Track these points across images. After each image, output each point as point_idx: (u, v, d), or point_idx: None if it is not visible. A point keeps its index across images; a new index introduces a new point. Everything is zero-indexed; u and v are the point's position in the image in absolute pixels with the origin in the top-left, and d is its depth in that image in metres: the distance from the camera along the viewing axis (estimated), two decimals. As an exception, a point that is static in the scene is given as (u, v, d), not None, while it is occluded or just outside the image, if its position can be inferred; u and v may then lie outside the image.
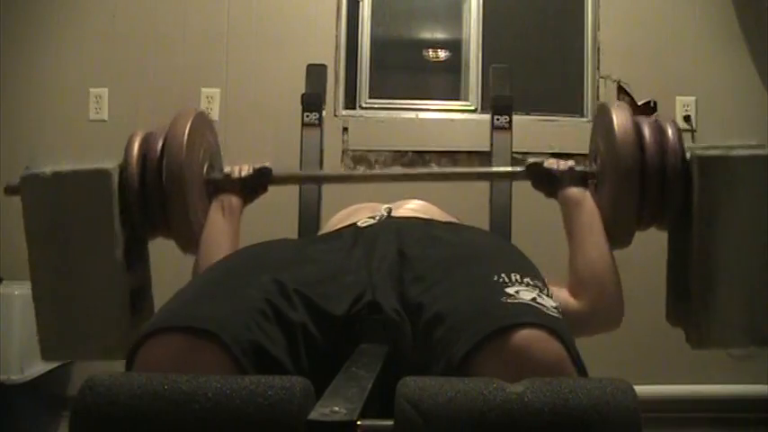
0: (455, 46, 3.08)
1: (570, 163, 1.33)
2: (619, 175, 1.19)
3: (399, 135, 2.89)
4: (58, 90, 2.86)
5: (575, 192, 1.29)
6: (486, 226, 1.65)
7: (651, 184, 1.18)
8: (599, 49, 2.91)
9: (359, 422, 0.62)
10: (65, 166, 1.23)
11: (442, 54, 3.19)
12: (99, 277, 1.19)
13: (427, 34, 3.34)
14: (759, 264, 1.15)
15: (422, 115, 2.95)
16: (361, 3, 3.00)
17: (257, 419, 0.68)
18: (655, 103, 2.85)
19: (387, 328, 0.92)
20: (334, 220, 1.36)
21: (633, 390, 0.70)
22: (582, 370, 0.80)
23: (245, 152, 2.71)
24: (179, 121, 1.26)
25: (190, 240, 1.27)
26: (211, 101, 2.84)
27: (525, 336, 0.78)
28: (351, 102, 2.97)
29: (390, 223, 1.18)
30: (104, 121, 2.85)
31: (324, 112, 1.81)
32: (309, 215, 1.73)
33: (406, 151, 2.88)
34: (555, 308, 0.88)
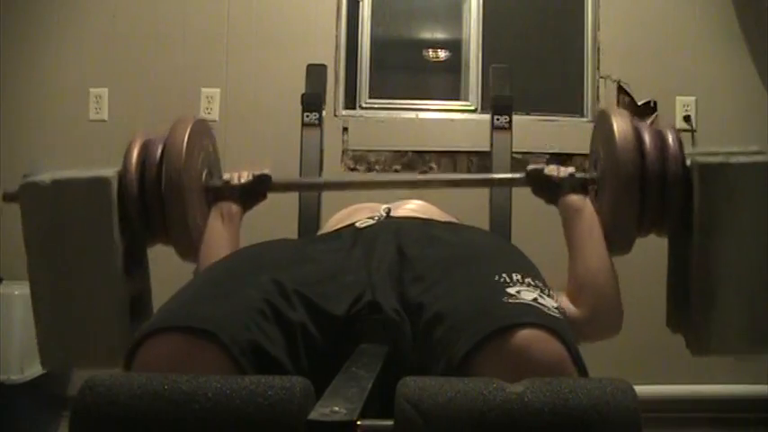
0: (455, 46, 3.08)
1: (570, 169, 1.33)
2: (619, 181, 1.19)
3: (399, 135, 2.89)
4: (58, 90, 2.86)
5: (575, 199, 1.29)
6: (485, 226, 1.65)
7: (651, 191, 1.18)
8: (599, 49, 2.91)
9: (359, 422, 0.62)
10: (64, 172, 1.22)
11: (442, 54, 3.19)
12: (98, 285, 1.18)
13: (427, 34, 3.34)
14: (759, 271, 1.14)
15: (422, 115, 2.95)
16: (361, 3, 3.00)
17: (257, 419, 0.68)
18: (655, 103, 2.86)
19: (387, 328, 0.92)
20: (334, 221, 1.36)
21: (633, 390, 0.70)
22: (582, 370, 0.80)
23: (245, 152, 2.74)
24: (178, 128, 1.26)
25: (189, 247, 1.26)
26: (211, 101, 2.84)
27: (526, 336, 0.78)
28: (351, 102, 2.97)
29: (389, 223, 1.18)
30: (104, 121, 2.85)
31: (324, 112, 1.81)
32: (309, 215, 1.73)
33: (406, 151, 2.88)
34: (556, 308, 0.88)
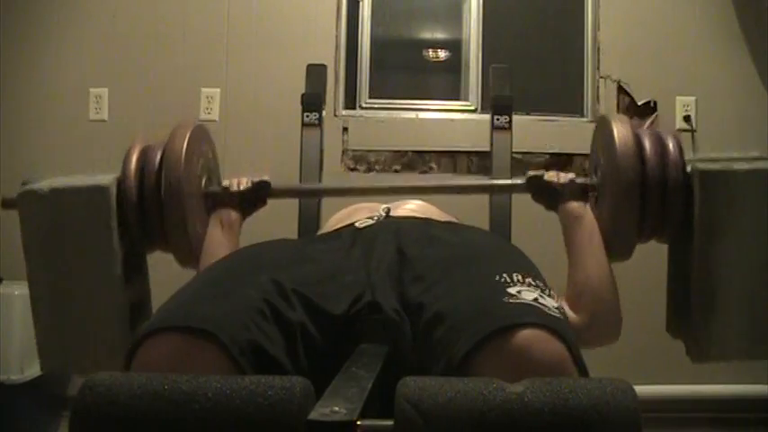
0: (455, 46, 3.08)
1: (570, 176, 1.33)
2: (619, 188, 1.19)
3: (399, 135, 2.89)
4: (58, 90, 2.86)
5: (575, 206, 1.29)
6: (485, 226, 1.65)
7: (652, 198, 1.18)
8: (599, 49, 2.91)
9: (359, 422, 0.62)
10: (62, 180, 1.22)
11: (442, 54, 3.19)
12: (98, 292, 1.18)
13: (427, 34, 3.34)
14: (760, 277, 1.14)
15: (422, 115, 2.95)
16: (361, 3, 3.00)
17: (257, 419, 0.68)
18: (655, 103, 2.86)
19: (387, 328, 0.92)
20: (333, 221, 1.36)
21: (633, 390, 0.70)
22: (583, 370, 0.80)
23: (245, 152, 2.74)
24: (177, 134, 1.26)
25: (188, 254, 1.26)
26: (211, 101, 2.84)
27: (526, 336, 0.78)
28: (351, 102, 2.97)
29: (389, 223, 1.18)
30: (104, 121, 2.85)
31: (324, 112, 1.81)
32: (309, 216, 1.73)
33: (406, 151, 2.88)
34: (557, 308, 0.88)
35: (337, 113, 2.89)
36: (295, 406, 0.68)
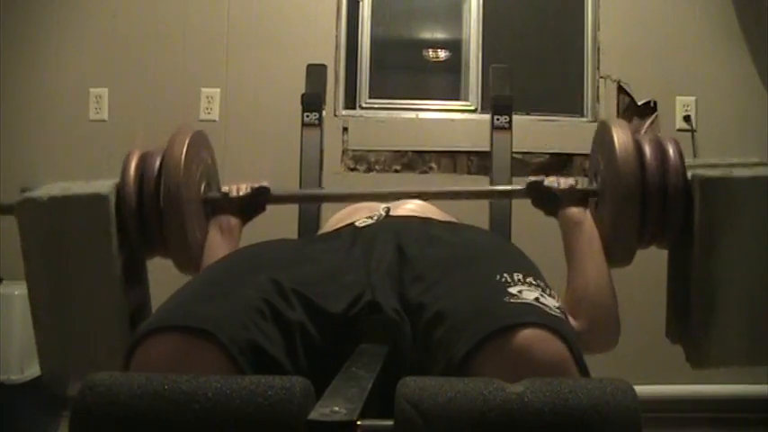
0: (455, 46, 3.08)
1: (570, 181, 1.33)
2: (620, 194, 1.19)
3: (399, 135, 2.89)
4: (58, 90, 2.86)
5: (575, 212, 1.29)
6: (485, 226, 1.65)
7: (652, 204, 1.18)
8: (599, 49, 2.91)
9: (359, 422, 0.62)
10: (61, 187, 1.22)
11: (442, 54, 3.19)
12: (98, 300, 1.18)
13: (427, 34, 3.34)
14: (760, 284, 1.14)
15: (422, 115, 2.95)
16: (361, 3, 3.00)
17: (257, 419, 0.68)
18: (655, 103, 2.86)
19: (387, 328, 0.92)
20: (333, 221, 1.35)
21: (633, 390, 0.70)
22: (584, 370, 0.79)
23: (245, 152, 2.74)
24: (176, 140, 1.26)
25: (187, 260, 1.26)
26: (211, 101, 2.84)
27: (527, 335, 0.78)
28: (351, 102, 2.97)
29: (389, 223, 1.18)
30: (104, 121, 2.85)
31: (324, 112, 1.81)
32: (309, 216, 1.73)
33: (406, 151, 2.88)
34: (557, 308, 0.87)
35: (337, 113, 2.89)
36: (295, 406, 0.68)
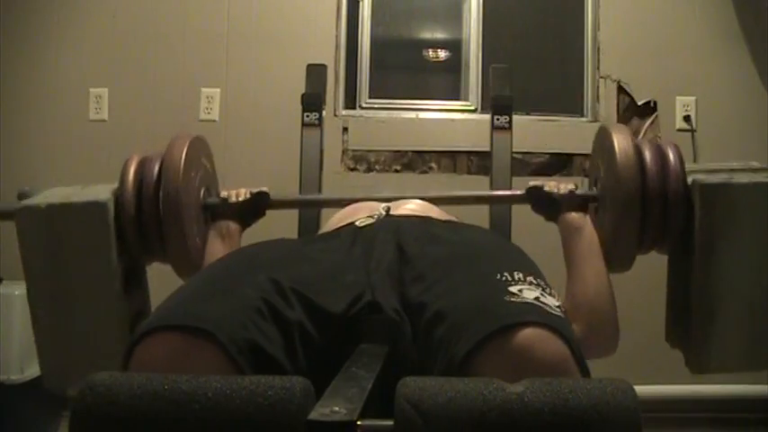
0: (455, 46, 3.09)
1: (570, 186, 1.33)
2: (620, 199, 1.19)
3: (399, 135, 2.89)
4: (58, 90, 2.86)
5: (575, 217, 1.29)
6: (485, 225, 1.65)
7: (652, 209, 1.18)
8: (599, 49, 2.91)
9: (359, 422, 0.62)
10: (59, 191, 1.21)
11: (442, 54, 3.19)
12: (98, 307, 1.18)
13: (427, 34, 3.34)
14: (760, 289, 1.15)
15: (422, 115, 2.95)
16: (361, 3, 3.00)
17: (257, 419, 0.68)
18: (655, 103, 2.86)
19: (387, 327, 0.92)
20: (333, 220, 1.35)
21: (633, 390, 0.70)
22: (585, 370, 0.79)
23: (245, 152, 2.74)
24: (175, 146, 1.25)
25: (187, 265, 1.26)
26: (211, 101, 2.84)
27: (528, 335, 0.78)
28: (351, 102, 2.97)
29: (389, 222, 1.18)
30: (104, 121, 2.85)
31: (324, 112, 1.81)
32: (309, 216, 1.73)
33: (406, 151, 2.88)
34: (558, 307, 0.87)
35: (337, 113, 2.89)
36: (295, 406, 0.68)
